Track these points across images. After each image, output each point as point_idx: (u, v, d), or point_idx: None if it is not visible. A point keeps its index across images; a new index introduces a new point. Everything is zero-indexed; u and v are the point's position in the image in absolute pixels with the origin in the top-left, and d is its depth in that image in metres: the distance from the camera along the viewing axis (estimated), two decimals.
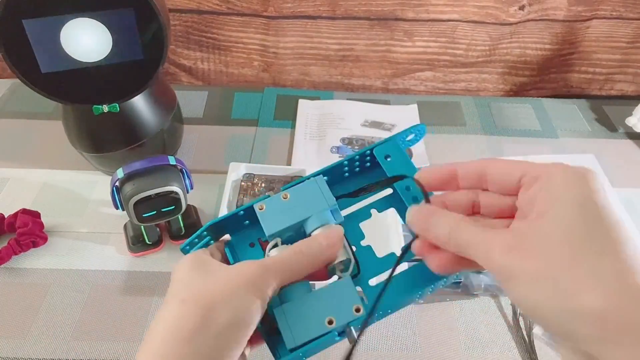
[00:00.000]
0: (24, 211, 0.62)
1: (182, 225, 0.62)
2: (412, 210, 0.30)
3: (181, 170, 0.58)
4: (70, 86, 0.59)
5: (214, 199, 0.68)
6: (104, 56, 0.57)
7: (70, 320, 0.55)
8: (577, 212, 0.24)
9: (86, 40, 0.56)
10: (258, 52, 0.91)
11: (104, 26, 0.55)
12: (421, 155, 0.77)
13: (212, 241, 0.36)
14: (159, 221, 0.58)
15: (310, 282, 0.33)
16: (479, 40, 0.89)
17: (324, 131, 0.81)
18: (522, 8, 0.86)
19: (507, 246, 0.25)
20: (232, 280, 0.29)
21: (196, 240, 0.35)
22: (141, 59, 0.58)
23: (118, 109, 0.61)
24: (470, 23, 0.87)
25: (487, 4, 0.85)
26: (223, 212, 0.63)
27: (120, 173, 0.55)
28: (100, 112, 0.61)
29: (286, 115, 0.85)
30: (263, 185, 0.68)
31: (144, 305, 0.56)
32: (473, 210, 0.31)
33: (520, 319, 0.56)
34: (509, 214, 0.29)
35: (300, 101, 0.87)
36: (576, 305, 0.22)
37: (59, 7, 0.53)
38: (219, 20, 0.87)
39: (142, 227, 0.59)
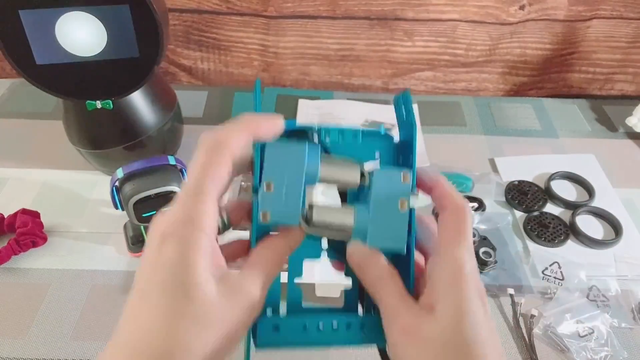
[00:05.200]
0: (24, 211, 0.62)
1: None
2: (355, 249, 0.30)
3: (181, 170, 0.57)
4: (65, 80, 0.59)
5: None
6: (99, 51, 0.57)
7: (70, 320, 0.54)
8: (447, 343, 0.25)
9: (81, 34, 0.56)
10: (258, 52, 0.91)
11: (99, 21, 0.56)
12: (421, 155, 0.77)
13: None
14: None
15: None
16: (479, 40, 0.89)
17: None
18: (522, 8, 0.86)
19: (403, 328, 0.27)
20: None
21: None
22: (137, 56, 0.58)
23: (112, 106, 0.61)
24: (470, 23, 0.87)
25: (487, 3, 0.85)
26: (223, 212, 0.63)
27: (120, 173, 0.55)
28: (93, 107, 0.60)
29: (286, 115, 0.83)
30: None
31: None
32: None
33: (520, 318, 0.56)
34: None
35: (300, 101, 0.87)
36: None
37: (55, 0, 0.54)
38: (218, 20, 0.87)
39: (141, 227, 0.59)
